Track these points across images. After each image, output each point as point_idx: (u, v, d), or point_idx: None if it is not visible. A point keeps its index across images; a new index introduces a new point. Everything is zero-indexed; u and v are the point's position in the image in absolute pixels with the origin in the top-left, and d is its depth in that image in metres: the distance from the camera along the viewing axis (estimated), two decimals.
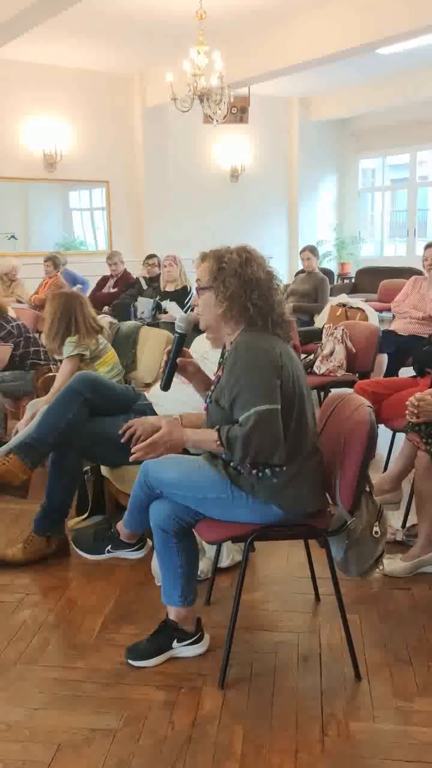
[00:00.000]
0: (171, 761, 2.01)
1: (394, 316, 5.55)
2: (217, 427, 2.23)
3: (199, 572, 2.61)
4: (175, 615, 2.47)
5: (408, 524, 3.39)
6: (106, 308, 7.49)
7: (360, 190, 13.54)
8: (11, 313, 4.97)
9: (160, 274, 7.24)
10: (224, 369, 2.32)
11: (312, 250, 7.48)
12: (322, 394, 5.04)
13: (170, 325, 5.60)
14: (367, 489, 2.38)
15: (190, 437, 2.33)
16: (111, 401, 3.29)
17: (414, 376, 3.90)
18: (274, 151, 12.33)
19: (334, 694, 2.29)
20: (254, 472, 2.25)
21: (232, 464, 2.28)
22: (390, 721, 2.16)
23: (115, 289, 8.34)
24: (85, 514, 3.59)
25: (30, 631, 2.68)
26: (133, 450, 2.35)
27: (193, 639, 2.49)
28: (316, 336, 5.44)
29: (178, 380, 2.55)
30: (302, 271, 7.73)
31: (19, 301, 7.74)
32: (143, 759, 2.02)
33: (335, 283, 11.80)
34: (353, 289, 11.41)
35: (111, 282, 8.57)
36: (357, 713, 2.20)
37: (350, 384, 4.57)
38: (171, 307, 6.40)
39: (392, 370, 5.13)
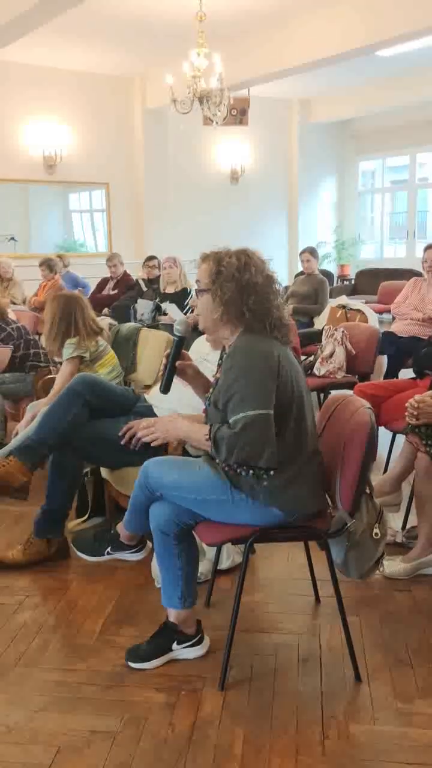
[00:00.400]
0: (171, 763, 2.01)
1: (393, 318, 5.55)
2: (211, 423, 2.27)
3: (199, 574, 2.61)
4: (175, 617, 2.47)
5: (408, 526, 3.39)
6: (105, 310, 7.49)
7: (360, 192, 13.55)
8: (11, 315, 4.97)
9: (159, 275, 7.24)
10: (221, 371, 2.33)
11: (312, 251, 7.48)
12: (321, 395, 5.05)
13: (170, 327, 5.59)
14: (367, 491, 2.38)
15: (184, 426, 2.37)
16: (111, 403, 3.29)
17: (414, 378, 3.90)
18: (273, 153, 12.35)
19: (335, 696, 2.29)
20: (239, 471, 2.27)
21: (217, 461, 2.30)
22: (390, 723, 2.16)
23: (115, 291, 8.35)
24: (85, 516, 3.59)
25: (30, 632, 2.68)
26: (132, 429, 2.34)
27: (193, 641, 2.49)
28: (316, 338, 5.45)
29: (177, 383, 2.55)
30: (302, 273, 7.73)
31: (14, 302, 7.69)
32: (143, 761, 2.02)
33: (335, 284, 11.80)
34: (353, 291, 11.41)
35: (111, 284, 8.58)
36: (357, 715, 2.20)
37: (350, 386, 4.58)
38: (171, 309, 6.40)
39: (392, 372, 5.14)
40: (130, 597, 2.93)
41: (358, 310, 5.93)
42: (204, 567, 2.92)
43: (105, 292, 8.48)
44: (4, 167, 9.70)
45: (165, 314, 6.47)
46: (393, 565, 3.01)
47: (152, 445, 2.49)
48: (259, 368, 2.21)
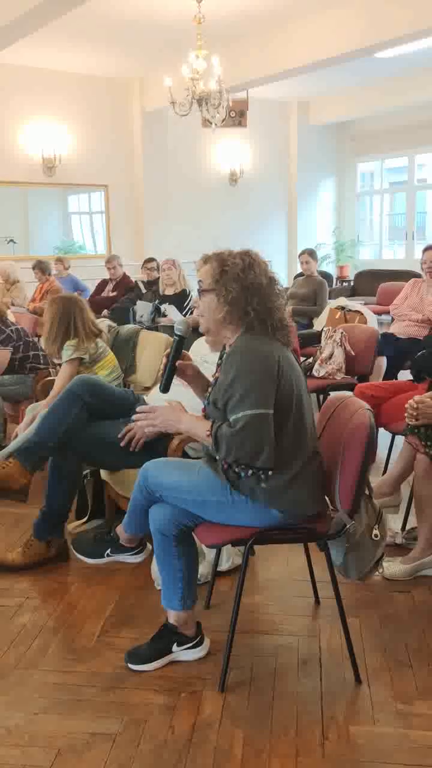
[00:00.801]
0: (171, 765, 2.01)
1: (392, 319, 5.55)
2: (213, 420, 2.28)
3: (198, 576, 2.61)
4: (175, 619, 2.47)
5: (407, 527, 3.39)
6: (105, 312, 7.49)
7: (359, 193, 13.56)
8: (10, 317, 4.97)
9: (159, 277, 7.24)
10: (221, 371, 2.33)
11: (311, 253, 7.48)
12: (321, 397, 5.05)
13: (169, 329, 5.60)
14: (367, 492, 2.38)
15: (185, 420, 2.38)
16: (110, 405, 3.29)
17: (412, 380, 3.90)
18: (272, 155, 12.36)
19: (335, 698, 2.29)
20: (238, 471, 2.27)
21: (217, 461, 2.30)
22: (390, 724, 2.16)
23: (114, 293, 8.34)
24: (85, 518, 3.59)
25: (30, 635, 2.68)
26: (135, 418, 2.44)
27: (193, 643, 2.49)
28: (315, 339, 5.45)
29: (177, 383, 2.55)
30: (301, 275, 7.74)
31: (14, 304, 7.69)
32: (143, 763, 2.02)
33: (334, 286, 11.81)
34: (352, 292, 11.41)
35: (110, 286, 8.58)
36: (357, 717, 2.20)
37: (349, 387, 4.58)
38: (170, 310, 6.40)
39: (391, 373, 5.14)
40: (130, 599, 2.92)
41: (357, 312, 5.92)
42: (204, 569, 2.92)
43: (104, 294, 8.48)
44: (3, 170, 9.71)
45: (164, 316, 6.48)
46: (393, 567, 3.01)
47: (147, 434, 2.49)
48: (259, 369, 2.21)
